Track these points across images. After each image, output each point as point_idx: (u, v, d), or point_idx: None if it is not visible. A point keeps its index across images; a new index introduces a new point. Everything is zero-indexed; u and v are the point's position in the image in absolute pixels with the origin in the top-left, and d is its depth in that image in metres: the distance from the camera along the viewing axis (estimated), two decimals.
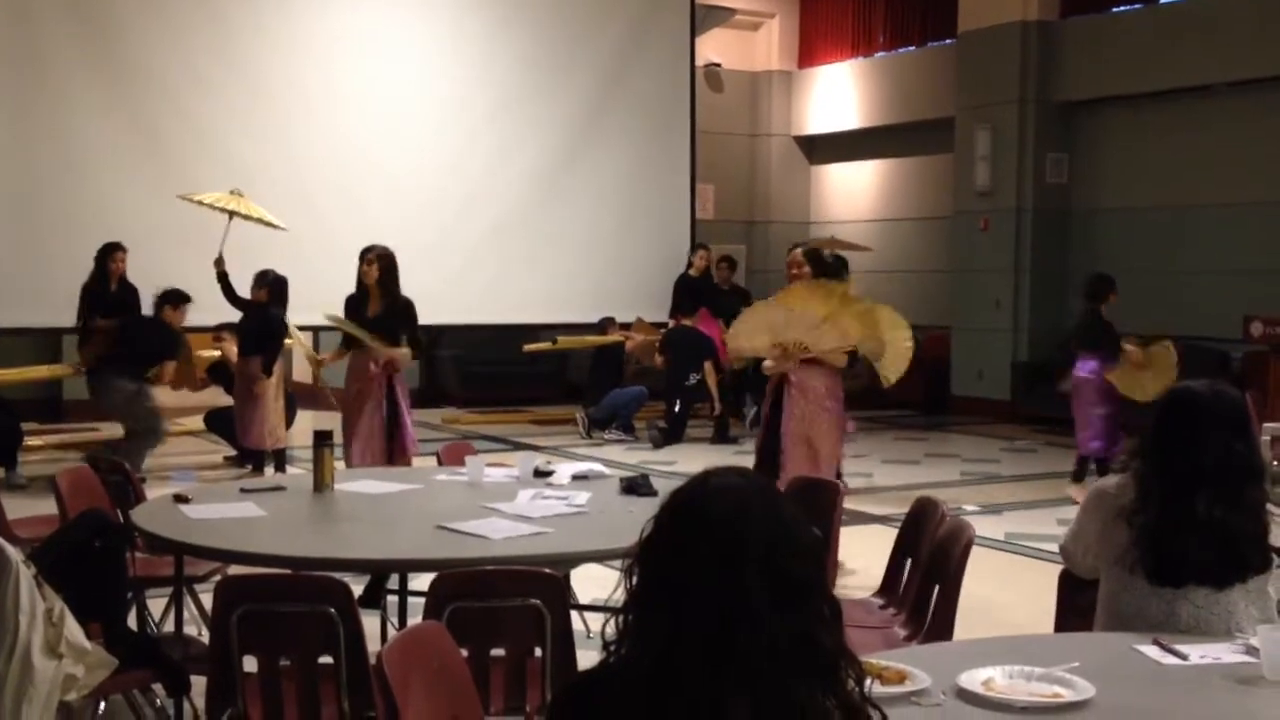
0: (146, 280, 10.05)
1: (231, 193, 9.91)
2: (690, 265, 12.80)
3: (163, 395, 9.92)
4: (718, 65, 16.60)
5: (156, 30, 11.00)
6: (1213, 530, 2.89)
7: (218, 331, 10.22)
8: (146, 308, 10.04)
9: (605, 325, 12.50)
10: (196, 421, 11.10)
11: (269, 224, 9.99)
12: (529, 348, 12.06)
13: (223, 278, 9.72)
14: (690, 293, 12.69)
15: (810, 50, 17.17)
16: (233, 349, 9.98)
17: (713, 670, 1.71)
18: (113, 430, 10.71)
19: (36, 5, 10.64)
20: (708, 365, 11.97)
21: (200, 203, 9.88)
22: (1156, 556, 2.93)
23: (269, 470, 9.37)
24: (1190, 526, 2.90)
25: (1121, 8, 13.41)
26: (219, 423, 10.52)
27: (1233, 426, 2.98)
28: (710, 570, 1.73)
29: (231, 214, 9.83)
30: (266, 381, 9.49)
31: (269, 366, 9.48)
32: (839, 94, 16.68)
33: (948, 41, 14.98)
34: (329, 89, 11.74)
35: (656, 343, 12.46)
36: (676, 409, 11.87)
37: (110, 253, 10.18)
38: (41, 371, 11.18)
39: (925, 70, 15.46)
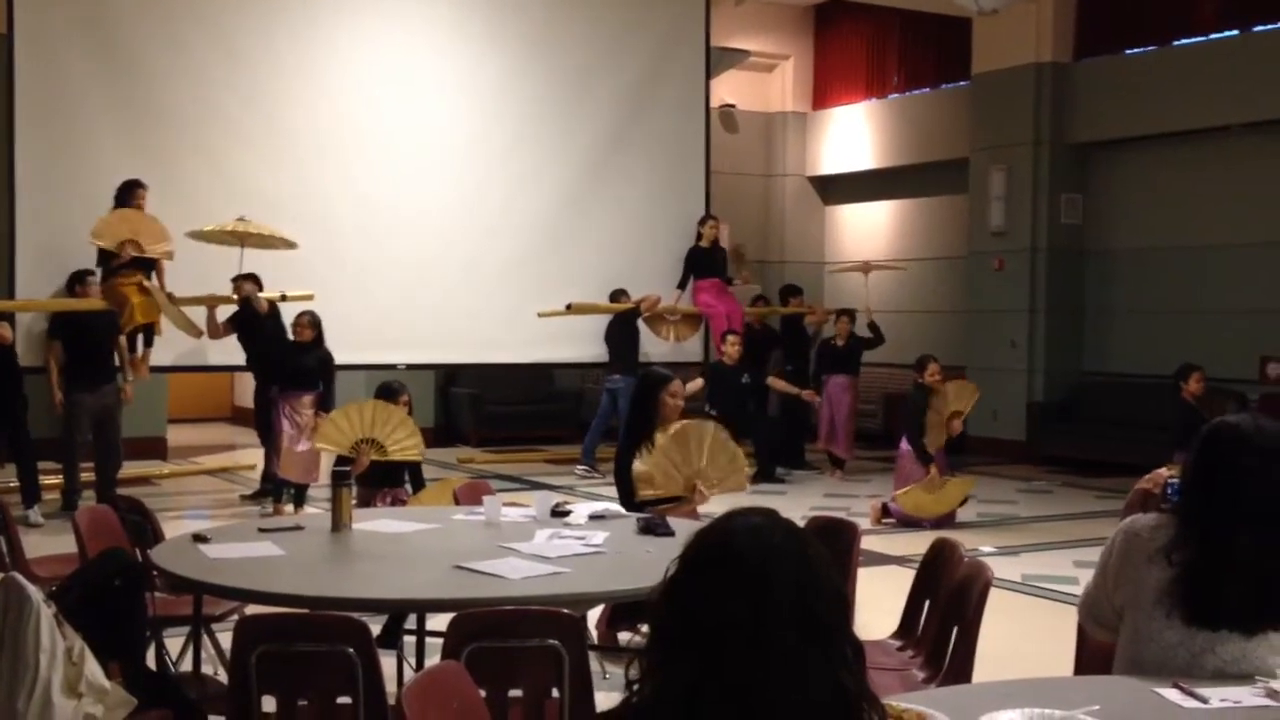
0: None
1: (238, 220, 9.92)
2: (700, 236, 12.88)
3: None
4: (732, 106, 16.68)
5: (177, 71, 11.06)
6: (1251, 572, 2.75)
7: (237, 280, 10.03)
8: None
9: (618, 295, 12.48)
10: (213, 460, 11.09)
11: (281, 241, 9.99)
12: (542, 313, 11.99)
13: (245, 302, 9.77)
14: (700, 263, 12.78)
15: (824, 92, 17.25)
16: (253, 290, 9.91)
17: (737, 711, 1.71)
18: (133, 469, 10.68)
19: (62, 51, 10.69)
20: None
21: (207, 238, 9.93)
22: (1192, 596, 2.80)
23: (288, 508, 9.37)
24: (1228, 567, 2.77)
25: (1135, 49, 13.44)
26: (265, 428, 10.12)
27: (1277, 460, 2.80)
28: (737, 610, 1.73)
29: (242, 243, 9.87)
30: (318, 418, 9.33)
31: (330, 405, 9.10)
32: (853, 135, 16.74)
33: (962, 83, 15.03)
34: (346, 126, 11.75)
35: (670, 310, 12.52)
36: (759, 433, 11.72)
37: (131, 189, 9.89)
38: (68, 304, 9.92)
39: (940, 111, 15.52)
